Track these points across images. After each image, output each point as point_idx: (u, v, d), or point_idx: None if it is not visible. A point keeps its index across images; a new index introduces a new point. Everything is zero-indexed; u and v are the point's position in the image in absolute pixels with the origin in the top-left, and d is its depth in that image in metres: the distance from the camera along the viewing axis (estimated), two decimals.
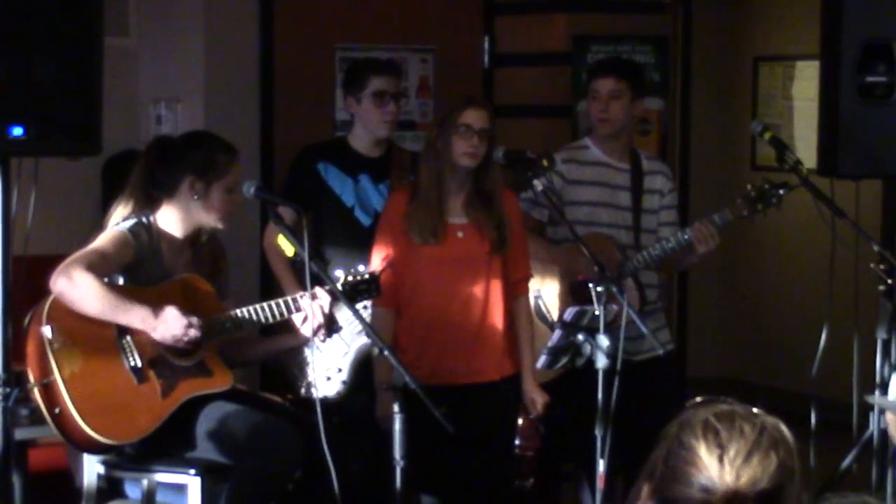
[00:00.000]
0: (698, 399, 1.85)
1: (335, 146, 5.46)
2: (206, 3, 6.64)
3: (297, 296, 4.48)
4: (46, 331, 4.24)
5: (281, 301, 4.49)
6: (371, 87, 5.25)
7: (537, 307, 5.12)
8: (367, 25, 6.93)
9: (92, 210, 6.21)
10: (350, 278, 4.54)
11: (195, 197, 4.48)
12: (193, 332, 4.32)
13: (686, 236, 5.01)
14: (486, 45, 7.26)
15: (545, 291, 5.15)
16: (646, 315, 5.15)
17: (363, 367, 5.09)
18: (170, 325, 4.29)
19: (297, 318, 4.59)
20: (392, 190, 5.22)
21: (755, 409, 1.84)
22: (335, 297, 4.45)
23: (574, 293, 5.01)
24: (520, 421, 4.95)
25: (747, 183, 5.15)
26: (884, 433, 4.94)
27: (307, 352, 5.13)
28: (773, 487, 1.74)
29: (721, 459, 1.75)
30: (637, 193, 5.25)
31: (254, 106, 6.72)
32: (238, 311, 4.45)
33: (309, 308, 4.46)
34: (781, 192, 5.00)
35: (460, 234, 4.85)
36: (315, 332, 4.50)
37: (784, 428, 1.81)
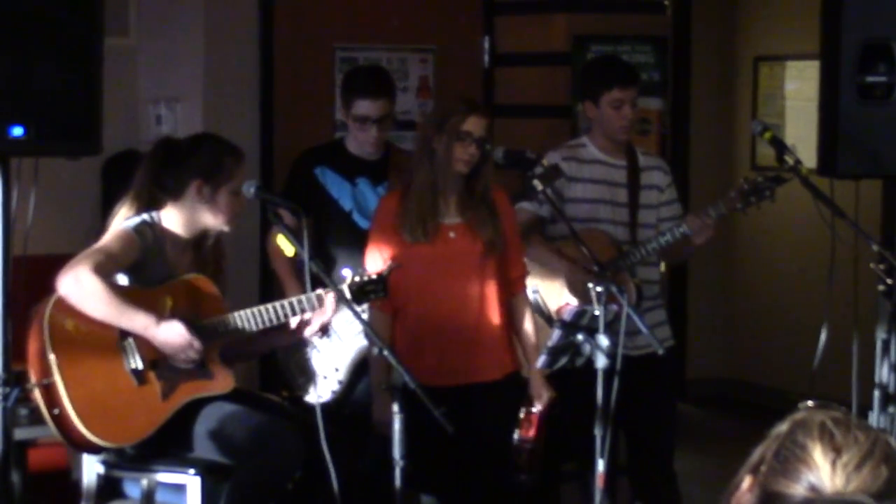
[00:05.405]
0: (810, 403, 1.88)
1: (332, 150, 5.42)
2: (206, 3, 6.65)
3: (303, 297, 4.47)
4: (52, 359, 4.24)
5: (286, 303, 4.48)
6: (354, 109, 5.21)
7: (535, 302, 5.12)
8: (367, 25, 6.94)
9: (92, 210, 6.22)
10: (357, 279, 4.54)
11: (202, 201, 4.47)
12: (192, 354, 4.32)
13: (681, 230, 5.04)
14: (486, 45, 7.26)
15: (544, 287, 5.16)
16: (645, 311, 5.15)
17: (361, 367, 5.09)
18: (171, 337, 4.29)
19: (293, 319, 4.60)
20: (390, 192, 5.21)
21: (867, 422, 1.87)
22: (339, 298, 4.45)
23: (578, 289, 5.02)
24: (521, 414, 4.93)
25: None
26: None
27: (307, 351, 5.14)
28: (878, 500, 1.78)
29: (834, 463, 1.78)
30: (634, 189, 5.27)
31: (254, 106, 6.72)
32: (242, 313, 4.44)
33: (323, 306, 4.48)
34: (774, 185, 5.02)
35: (452, 235, 4.85)
36: (322, 332, 4.53)
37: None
